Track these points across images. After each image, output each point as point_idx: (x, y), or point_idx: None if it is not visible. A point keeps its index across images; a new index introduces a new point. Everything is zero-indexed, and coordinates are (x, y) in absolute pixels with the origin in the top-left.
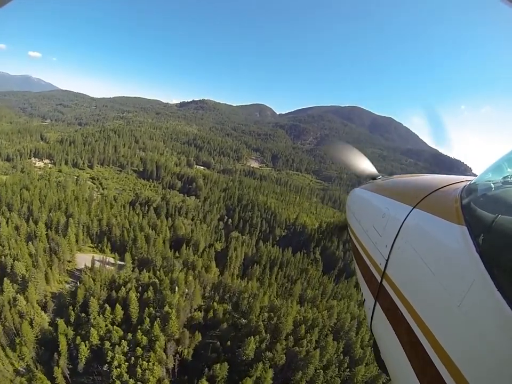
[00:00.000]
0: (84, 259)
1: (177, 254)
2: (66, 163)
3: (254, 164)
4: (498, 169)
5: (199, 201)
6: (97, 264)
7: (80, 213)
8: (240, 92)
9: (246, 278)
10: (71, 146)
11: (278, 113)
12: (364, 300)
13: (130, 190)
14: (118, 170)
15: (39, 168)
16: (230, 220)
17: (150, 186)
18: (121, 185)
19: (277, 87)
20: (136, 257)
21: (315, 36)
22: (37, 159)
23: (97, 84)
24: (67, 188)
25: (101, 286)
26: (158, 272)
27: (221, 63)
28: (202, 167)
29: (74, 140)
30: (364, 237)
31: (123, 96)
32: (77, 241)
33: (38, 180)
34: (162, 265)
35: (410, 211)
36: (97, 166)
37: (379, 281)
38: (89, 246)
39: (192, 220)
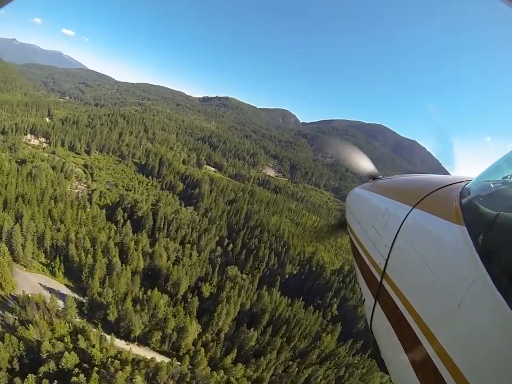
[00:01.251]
0: (28, 281)
1: (147, 294)
2: (62, 144)
3: (270, 172)
4: (498, 169)
5: (197, 214)
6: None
7: (35, 216)
8: (265, 94)
9: (233, 354)
10: (72, 126)
11: (301, 121)
12: (364, 299)
13: (123, 186)
14: (117, 160)
15: (33, 147)
16: (231, 245)
17: (146, 185)
18: (115, 178)
19: (303, 94)
20: (87, 296)
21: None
22: (33, 136)
23: (124, 68)
24: (39, 178)
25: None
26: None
27: (251, 63)
28: (213, 169)
29: (78, 120)
30: (364, 237)
31: (147, 83)
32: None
33: (8, 161)
34: (116, 319)
35: (410, 211)
36: (95, 152)
37: (379, 281)
38: (41, 263)
39: (182, 242)
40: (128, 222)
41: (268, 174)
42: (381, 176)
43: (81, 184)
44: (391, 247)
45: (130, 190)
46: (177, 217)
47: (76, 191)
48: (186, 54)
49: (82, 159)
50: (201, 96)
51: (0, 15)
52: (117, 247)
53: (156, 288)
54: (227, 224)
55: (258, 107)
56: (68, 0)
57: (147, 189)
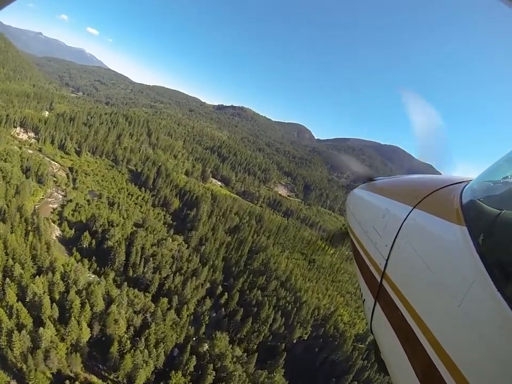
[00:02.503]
0: None
1: None
2: (52, 142)
3: (283, 191)
4: (498, 169)
5: (188, 246)
6: None
7: None
8: (281, 107)
9: None
10: (67, 123)
11: (316, 137)
12: (364, 300)
13: (108, 198)
14: (109, 165)
15: (19, 141)
16: (225, 295)
17: (136, 198)
18: (102, 187)
19: (320, 110)
20: None
21: (367, 73)
22: (22, 129)
23: (142, 70)
24: None
25: None
26: None
27: (270, 75)
28: (219, 183)
29: (75, 117)
30: (364, 237)
31: (162, 87)
32: None
33: None
34: None
35: (410, 211)
36: (86, 154)
37: (379, 281)
38: None
39: (159, 292)
40: (98, 248)
41: (279, 193)
42: (376, 177)
43: (58, 192)
44: (391, 248)
45: (113, 205)
46: (159, 252)
47: (50, 200)
48: (206, 62)
49: (71, 160)
50: (217, 104)
51: (29, 8)
52: (55, 303)
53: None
54: (224, 265)
55: (273, 120)
56: (95, 0)
57: (136, 204)
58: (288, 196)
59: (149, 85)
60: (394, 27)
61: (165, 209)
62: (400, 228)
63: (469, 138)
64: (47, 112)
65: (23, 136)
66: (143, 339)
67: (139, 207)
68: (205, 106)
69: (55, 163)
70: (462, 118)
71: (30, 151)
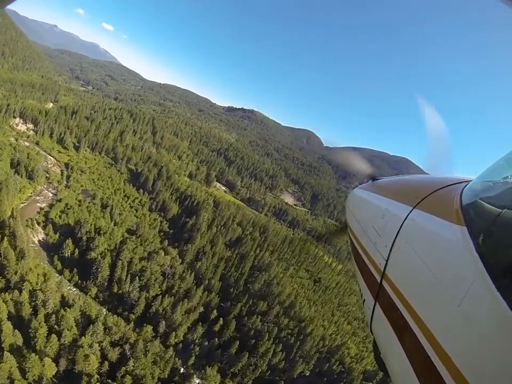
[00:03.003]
0: None
1: None
2: (51, 135)
3: (289, 199)
4: (498, 169)
5: (182, 261)
6: None
7: None
8: (291, 112)
9: None
10: (69, 116)
11: (325, 145)
12: (364, 300)
13: (102, 199)
14: (108, 163)
15: (17, 132)
16: (220, 321)
17: (132, 201)
18: (97, 186)
19: (330, 119)
20: None
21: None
22: (21, 120)
23: (154, 67)
24: None
25: None
26: None
27: (282, 80)
28: (223, 188)
29: (78, 110)
30: (364, 237)
31: (173, 85)
32: None
33: None
34: None
35: (410, 211)
36: (85, 150)
37: (379, 281)
38: None
39: (144, 316)
40: (82, 258)
41: (286, 201)
42: (379, 177)
43: (49, 190)
44: (391, 248)
45: (106, 207)
46: (148, 267)
47: (38, 198)
48: (219, 63)
49: (68, 155)
50: (227, 105)
51: (46, 1)
52: (19, 329)
53: None
54: (221, 285)
55: (283, 125)
56: None
57: (131, 207)
58: (294, 204)
59: (160, 83)
60: (413, 38)
61: (162, 214)
62: (400, 228)
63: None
64: (51, 104)
65: (22, 128)
66: (118, 376)
67: (134, 211)
68: (215, 107)
69: (51, 158)
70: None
71: (27, 144)
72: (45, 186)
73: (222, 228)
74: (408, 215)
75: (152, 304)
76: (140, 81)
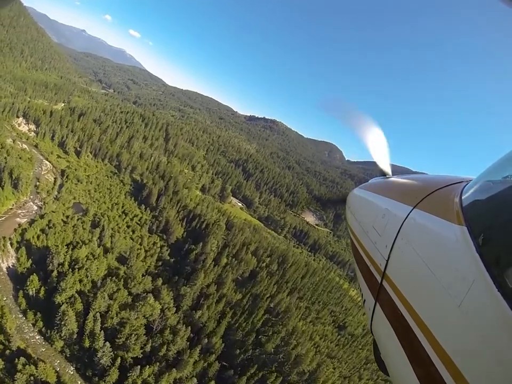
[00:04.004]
0: None
1: None
2: (52, 138)
3: (310, 218)
4: (499, 169)
5: (177, 310)
6: None
7: None
8: (314, 124)
9: None
10: (75, 118)
11: (347, 158)
12: (364, 300)
13: (95, 215)
14: (111, 172)
15: (17, 133)
16: None
17: (131, 219)
18: (92, 199)
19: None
20: None
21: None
22: (24, 120)
23: (178, 73)
24: None
25: None
26: None
27: (305, 91)
28: (240, 204)
29: (86, 112)
30: (364, 237)
31: (195, 92)
32: None
33: None
34: None
35: (411, 211)
36: (87, 156)
37: (379, 281)
38: None
39: None
40: (49, 300)
41: (307, 220)
42: (389, 175)
43: (35, 202)
44: (392, 248)
45: (97, 226)
46: (129, 319)
47: (20, 212)
48: (243, 71)
49: (67, 161)
50: (249, 114)
51: (76, 6)
52: None
53: None
54: (224, 344)
55: (305, 136)
56: (140, 4)
57: (128, 227)
58: (316, 224)
59: (182, 89)
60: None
61: (164, 237)
62: (400, 228)
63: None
64: (63, 104)
65: (24, 128)
66: None
67: (131, 232)
68: (236, 116)
69: (48, 163)
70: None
71: (25, 146)
72: (31, 197)
73: (233, 259)
74: (408, 214)
75: (129, 375)
76: (161, 87)
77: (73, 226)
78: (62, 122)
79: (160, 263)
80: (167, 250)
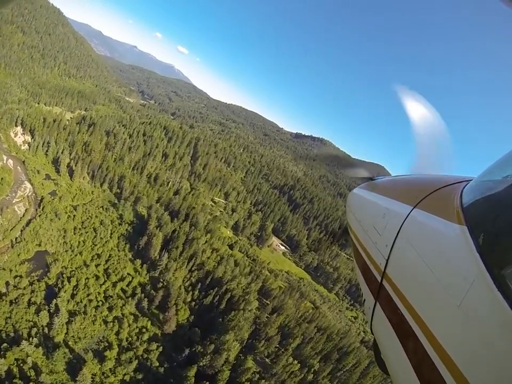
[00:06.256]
0: None
1: None
2: (46, 152)
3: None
4: (499, 168)
5: None
6: None
7: None
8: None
9: None
10: (82, 128)
11: None
12: (364, 300)
13: (60, 275)
14: (109, 202)
15: (8, 145)
16: None
17: (111, 287)
18: (66, 247)
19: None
20: None
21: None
22: (22, 129)
23: (223, 87)
24: None
25: None
26: None
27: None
28: (282, 247)
29: (97, 122)
30: (364, 237)
31: (239, 106)
32: None
33: None
34: None
35: (411, 211)
36: (82, 178)
37: (379, 281)
38: None
39: None
40: None
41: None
42: (376, 177)
43: None
44: (392, 247)
45: (52, 301)
46: None
47: None
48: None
49: (56, 184)
50: (295, 132)
51: (128, 24)
52: None
53: None
54: None
55: (353, 157)
56: (189, 23)
57: (105, 299)
58: None
59: (226, 103)
60: None
61: (158, 324)
62: (401, 227)
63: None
64: (83, 112)
65: (19, 139)
66: None
67: (106, 311)
68: (282, 133)
69: (29, 186)
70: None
71: (10, 162)
72: None
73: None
74: (408, 214)
75: None
76: (204, 99)
77: (14, 301)
78: (62, 134)
79: (141, 376)
80: (157, 348)
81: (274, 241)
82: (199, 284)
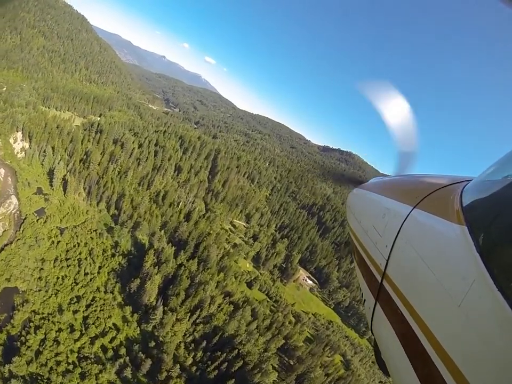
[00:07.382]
0: None
1: None
2: (42, 162)
3: None
4: (499, 168)
5: None
6: None
7: None
8: (389, 159)
9: None
10: (87, 136)
11: None
12: (364, 300)
13: (26, 325)
14: (104, 225)
15: (4, 153)
16: None
17: (85, 344)
18: (38, 284)
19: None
20: None
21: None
22: (21, 135)
23: (250, 98)
24: None
25: None
26: None
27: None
28: (310, 282)
29: (105, 129)
30: (364, 237)
31: (266, 117)
32: None
33: None
34: None
35: (411, 211)
36: (78, 195)
37: (379, 281)
38: None
39: None
40: None
41: None
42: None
43: None
44: (392, 248)
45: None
46: None
47: None
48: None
49: (46, 200)
50: (322, 145)
51: (156, 35)
52: None
53: None
54: None
55: (381, 172)
56: (215, 33)
57: (78, 362)
58: None
59: (252, 113)
60: None
61: None
62: (401, 227)
63: None
64: (96, 117)
65: (18, 146)
66: None
67: (77, 381)
68: (309, 145)
69: (16, 201)
70: None
71: (1, 172)
72: None
73: None
74: (408, 214)
75: None
76: (230, 109)
77: None
78: (64, 141)
79: None
80: None
81: (302, 274)
82: (204, 342)
